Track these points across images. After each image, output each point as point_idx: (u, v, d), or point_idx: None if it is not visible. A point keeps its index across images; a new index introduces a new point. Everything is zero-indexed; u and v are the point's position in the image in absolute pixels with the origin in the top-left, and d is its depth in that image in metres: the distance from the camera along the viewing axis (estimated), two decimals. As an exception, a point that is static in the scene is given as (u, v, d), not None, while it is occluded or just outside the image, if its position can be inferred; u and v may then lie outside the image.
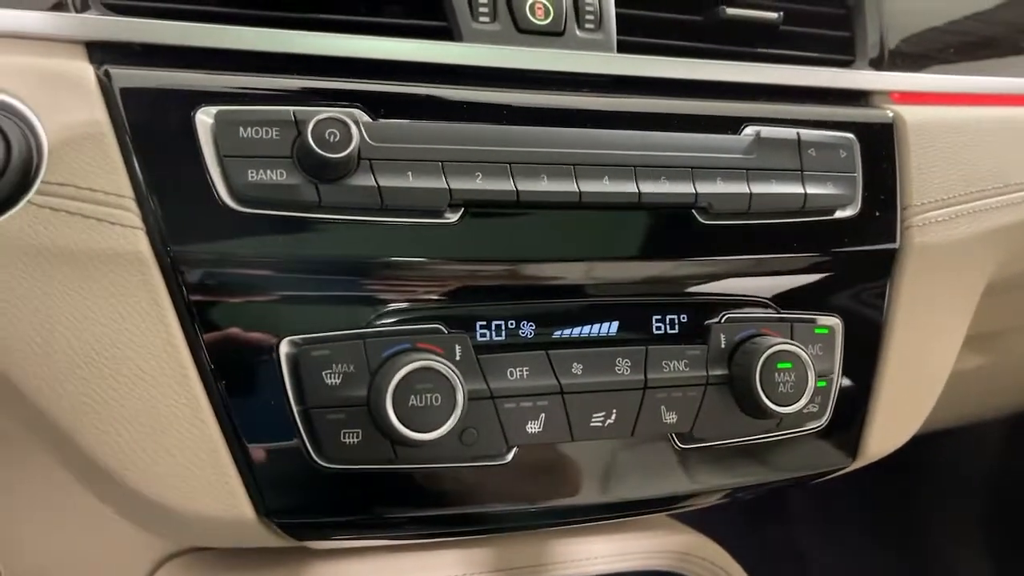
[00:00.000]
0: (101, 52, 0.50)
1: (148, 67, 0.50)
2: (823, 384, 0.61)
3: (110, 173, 0.48)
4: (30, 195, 0.46)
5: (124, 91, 0.48)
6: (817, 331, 0.62)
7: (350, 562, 0.70)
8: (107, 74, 0.49)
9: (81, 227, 0.47)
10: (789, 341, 0.58)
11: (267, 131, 0.49)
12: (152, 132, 0.49)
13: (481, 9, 0.57)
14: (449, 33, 0.57)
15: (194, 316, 0.49)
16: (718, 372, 0.58)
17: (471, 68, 0.57)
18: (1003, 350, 1.13)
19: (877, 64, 0.71)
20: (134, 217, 0.48)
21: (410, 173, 0.51)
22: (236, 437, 0.50)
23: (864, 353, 0.64)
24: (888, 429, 0.66)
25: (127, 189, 0.48)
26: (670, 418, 0.57)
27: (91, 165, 0.47)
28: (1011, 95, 0.77)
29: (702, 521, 0.85)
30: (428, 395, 0.49)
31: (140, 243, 0.48)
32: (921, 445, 0.79)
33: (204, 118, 0.49)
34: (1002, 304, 0.80)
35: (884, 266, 0.65)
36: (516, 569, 0.74)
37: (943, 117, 0.69)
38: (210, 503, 0.50)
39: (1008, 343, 1.12)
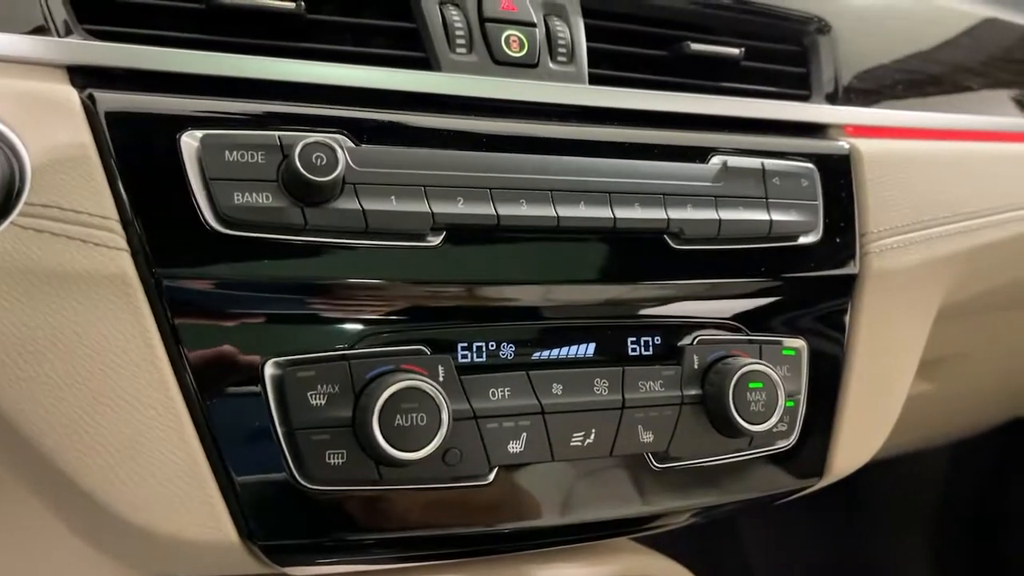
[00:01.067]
0: (84, 76, 0.50)
1: (132, 91, 0.50)
2: (791, 404, 0.63)
3: (95, 195, 0.47)
4: (12, 216, 0.46)
5: (109, 115, 0.49)
6: (784, 352, 0.64)
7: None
8: (91, 98, 0.49)
9: (65, 248, 0.46)
10: (760, 361, 0.60)
11: (252, 155, 0.50)
12: (137, 155, 0.49)
13: (458, 41, 0.59)
14: (428, 63, 0.58)
15: (179, 338, 0.49)
16: (692, 392, 0.60)
17: (450, 97, 0.58)
18: (948, 377, 1.17)
19: (832, 99, 0.74)
20: (119, 239, 0.48)
21: (393, 197, 0.52)
22: (220, 459, 0.50)
23: (828, 374, 0.67)
24: (853, 446, 0.68)
25: (112, 211, 0.48)
26: (647, 437, 0.58)
27: (75, 187, 0.47)
28: (957, 131, 0.81)
29: (655, 543, 0.85)
30: (414, 415, 0.50)
31: (125, 265, 0.48)
32: (869, 471, 0.82)
33: (189, 141, 0.49)
34: (948, 330, 0.84)
35: (845, 290, 0.68)
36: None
37: (895, 150, 0.73)
38: (193, 526, 0.49)
39: (953, 370, 1.17)
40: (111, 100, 0.49)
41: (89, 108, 0.48)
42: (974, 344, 1.12)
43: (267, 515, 0.51)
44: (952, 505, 1.77)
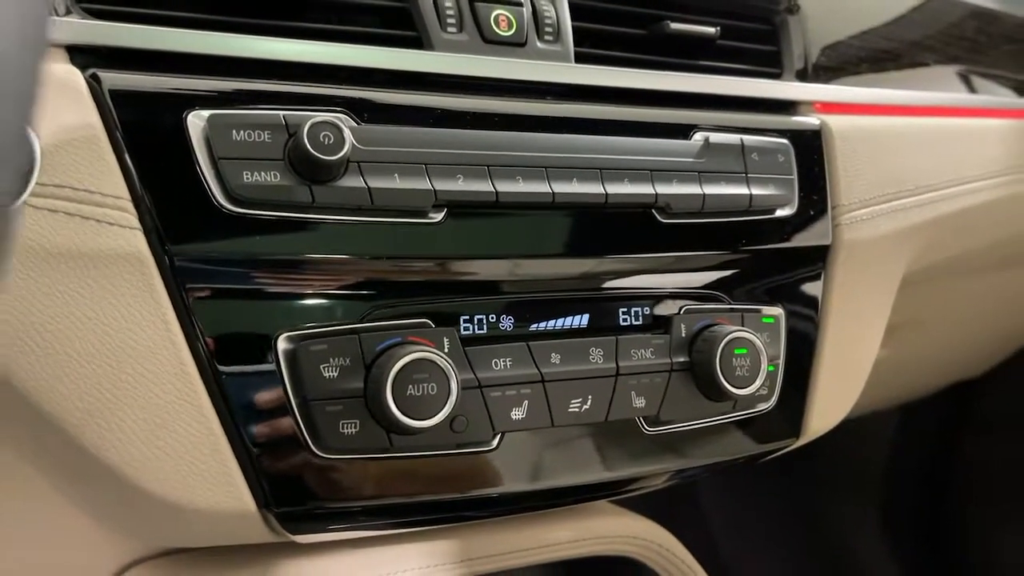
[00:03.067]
0: (84, 57, 0.50)
1: (134, 71, 0.51)
2: (772, 368, 0.67)
3: (106, 175, 0.48)
4: (25, 196, 0.46)
5: (114, 94, 0.49)
6: (764, 320, 0.67)
7: (316, 558, 0.71)
8: (95, 78, 0.49)
9: (80, 228, 0.47)
10: (744, 329, 0.63)
11: (259, 134, 0.51)
12: (145, 135, 0.50)
13: (449, 20, 0.60)
14: (419, 43, 0.60)
15: (193, 314, 0.50)
16: (680, 359, 0.63)
17: (445, 76, 0.60)
18: (901, 343, 1.23)
19: (802, 76, 0.78)
20: (131, 218, 0.48)
21: (397, 175, 0.54)
22: (237, 431, 0.51)
23: (804, 340, 0.70)
24: (827, 408, 0.72)
25: (123, 191, 0.48)
26: (639, 402, 0.61)
27: (87, 167, 0.48)
28: (918, 107, 0.85)
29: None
30: (424, 384, 0.52)
31: (139, 243, 0.49)
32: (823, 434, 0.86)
33: (196, 121, 0.50)
34: (903, 299, 0.88)
35: (819, 260, 0.71)
36: (479, 559, 0.77)
37: (862, 126, 0.76)
38: (212, 496, 0.51)
39: (907, 336, 1.22)
40: (116, 80, 0.50)
41: (94, 88, 0.49)
42: (927, 311, 1.17)
43: (283, 484, 0.53)
44: (901, 467, 1.85)
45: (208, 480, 0.51)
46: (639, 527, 0.86)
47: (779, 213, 0.68)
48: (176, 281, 0.49)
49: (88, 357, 0.48)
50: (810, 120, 0.73)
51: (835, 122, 0.74)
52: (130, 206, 0.48)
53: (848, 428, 1.55)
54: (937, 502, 1.83)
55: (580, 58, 0.65)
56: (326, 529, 0.58)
